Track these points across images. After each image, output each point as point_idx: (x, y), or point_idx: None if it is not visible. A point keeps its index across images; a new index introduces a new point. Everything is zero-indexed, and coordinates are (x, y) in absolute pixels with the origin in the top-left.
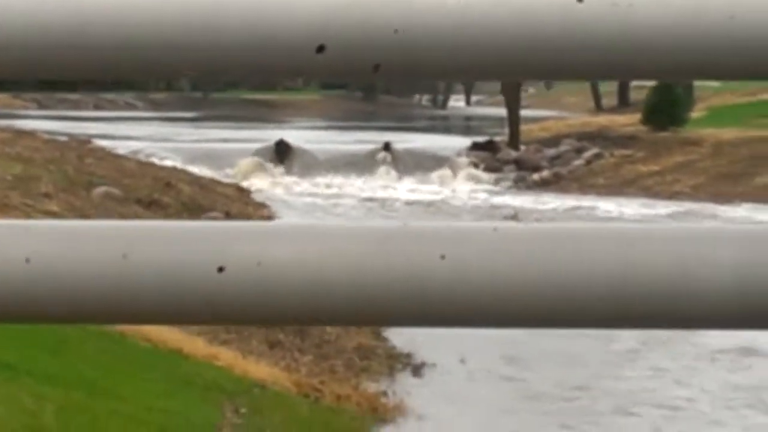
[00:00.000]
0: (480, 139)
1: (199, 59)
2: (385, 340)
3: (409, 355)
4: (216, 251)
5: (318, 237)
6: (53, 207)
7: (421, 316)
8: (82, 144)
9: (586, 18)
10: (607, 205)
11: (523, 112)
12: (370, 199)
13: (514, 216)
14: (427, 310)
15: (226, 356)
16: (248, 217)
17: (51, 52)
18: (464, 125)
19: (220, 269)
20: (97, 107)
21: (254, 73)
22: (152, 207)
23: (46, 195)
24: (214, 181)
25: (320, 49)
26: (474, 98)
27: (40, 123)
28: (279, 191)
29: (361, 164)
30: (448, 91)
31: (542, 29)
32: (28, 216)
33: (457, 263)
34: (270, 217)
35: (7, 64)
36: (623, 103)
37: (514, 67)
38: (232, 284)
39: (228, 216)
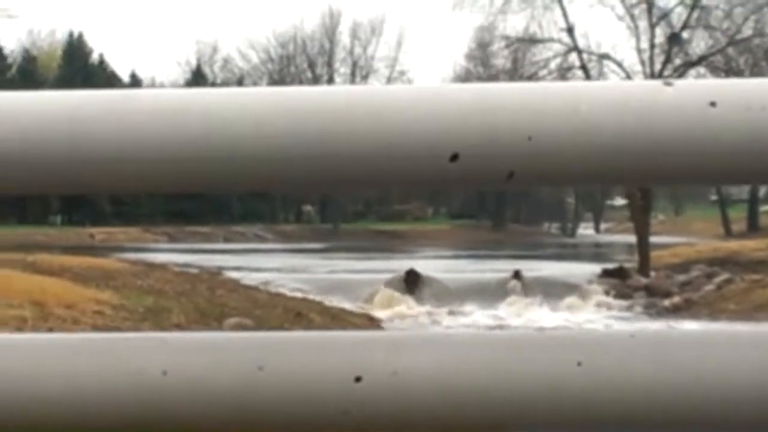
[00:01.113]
0: (610, 266)
1: (328, 169)
2: None
3: None
4: (352, 361)
5: (453, 345)
6: None
7: (558, 423)
8: (213, 276)
9: (719, 122)
10: None
11: (653, 239)
12: (501, 327)
13: None
14: (564, 417)
15: None
16: None
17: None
18: (593, 252)
19: (357, 379)
20: (227, 240)
21: (387, 184)
22: None
23: (178, 326)
24: (344, 311)
25: (454, 157)
26: (603, 225)
27: (171, 256)
28: (409, 320)
29: (491, 292)
30: (577, 219)
31: (675, 134)
32: None
33: (594, 370)
34: None
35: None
36: (753, 228)
37: (647, 172)
38: (369, 394)
39: None
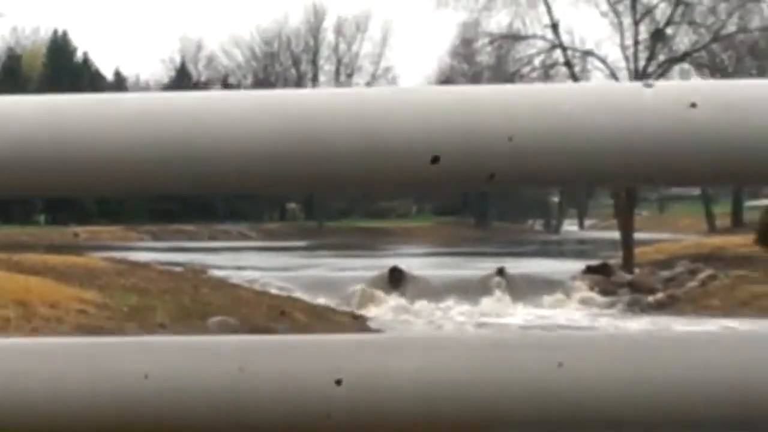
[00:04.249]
0: (594, 262)
1: (311, 170)
2: None
3: None
4: (334, 364)
5: (434, 347)
6: None
7: (540, 423)
8: (197, 274)
9: (700, 123)
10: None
11: (637, 235)
12: (485, 324)
13: None
14: (545, 418)
15: None
16: None
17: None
18: (578, 249)
19: (338, 382)
20: (211, 238)
21: (369, 185)
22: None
23: (162, 325)
24: (329, 309)
25: (435, 159)
26: (587, 222)
27: (156, 254)
28: (393, 317)
29: (474, 289)
30: (561, 216)
31: (656, 135)
32: None
33: (574, 371)
34: None
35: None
36: (737, 224)
37: (627, 173)
38: (351, 396)
39: None
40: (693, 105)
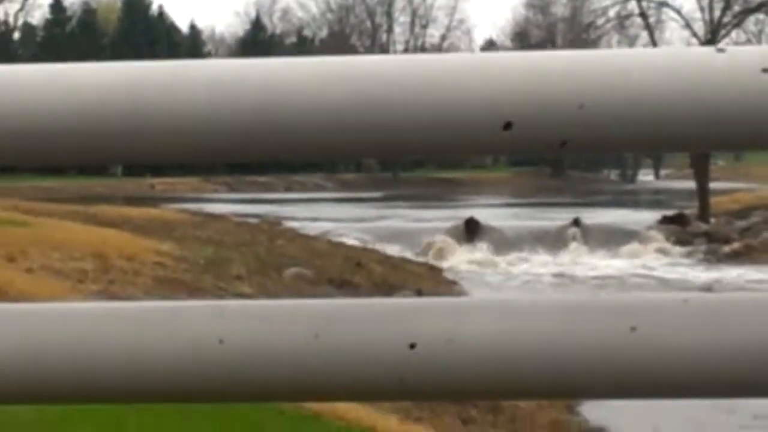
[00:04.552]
0: (669, 212)
1: (383, 137)
2: (578, 414)
3: (602, 430)
4: (407, 328)
5: (508, 312)
6: (245, 289)
7: (611, 388)
8: (272, 226)
9: None
10: None
11: (713, 185)
12: (561, 275)
13: (709, 289)
14: (617, 382)
15: None
16: (439, 294)
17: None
18: (653, 199)
19: (412, 346)
20: (287, 189)
21: (441, 151)
22: (344, 287)
23: (238, 277)
24: (404, 260)
25: (507, 126)
26: (663, 172)
27: (231, 206)
28: (469, 268)
29: (550, 240)
30: (637, 166)
31: (727, 100)
32: (220, 298)
33: (648, 335)
34: (461, 295)
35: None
36: None
37: (699, 139)
38: (424, 361)
39: (419, 294)
40: (765, 70)
